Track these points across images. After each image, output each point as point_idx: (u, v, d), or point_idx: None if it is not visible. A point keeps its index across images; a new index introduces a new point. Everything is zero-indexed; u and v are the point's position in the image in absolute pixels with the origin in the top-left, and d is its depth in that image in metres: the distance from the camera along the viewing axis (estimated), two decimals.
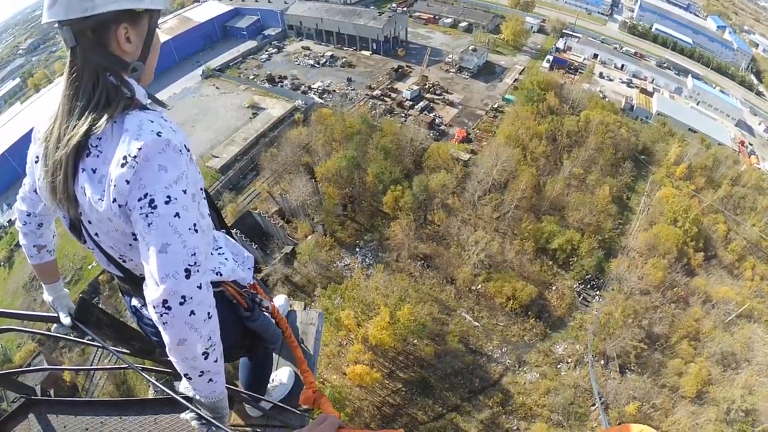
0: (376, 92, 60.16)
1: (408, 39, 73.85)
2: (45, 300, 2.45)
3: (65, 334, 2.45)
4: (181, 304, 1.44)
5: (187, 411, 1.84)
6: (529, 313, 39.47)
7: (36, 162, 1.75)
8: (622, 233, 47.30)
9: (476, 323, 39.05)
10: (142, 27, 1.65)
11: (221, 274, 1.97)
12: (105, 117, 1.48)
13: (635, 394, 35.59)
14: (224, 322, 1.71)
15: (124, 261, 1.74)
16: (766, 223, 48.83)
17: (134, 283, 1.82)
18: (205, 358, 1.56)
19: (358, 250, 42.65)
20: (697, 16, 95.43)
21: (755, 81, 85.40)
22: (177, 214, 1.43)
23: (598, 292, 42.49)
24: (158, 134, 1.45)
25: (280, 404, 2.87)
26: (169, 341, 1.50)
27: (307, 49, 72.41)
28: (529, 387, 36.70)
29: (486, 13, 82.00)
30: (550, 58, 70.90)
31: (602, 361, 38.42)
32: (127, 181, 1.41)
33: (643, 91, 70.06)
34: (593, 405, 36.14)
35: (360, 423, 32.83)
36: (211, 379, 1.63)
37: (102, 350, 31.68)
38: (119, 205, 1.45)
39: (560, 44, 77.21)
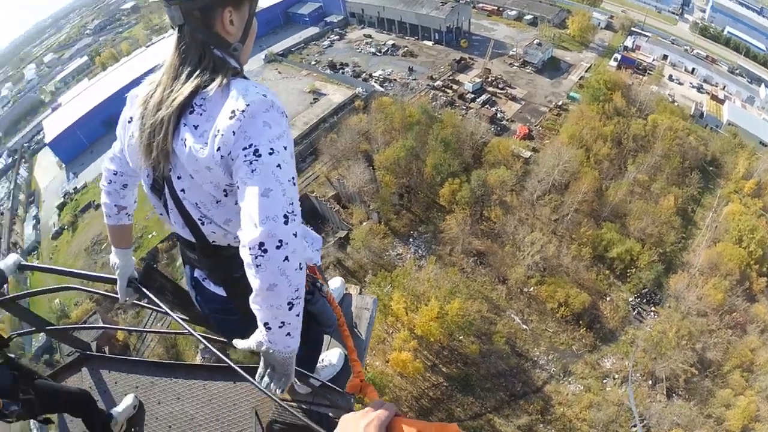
0: (438, 83, 57.69)
1: (471, 30, 70.37)
2: (111, 264, 2.41)
3: (125, 299, 2.42)
4: (277, 248, 1.37)
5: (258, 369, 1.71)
6: (580, 321, 36.87)
7: (129, 122, 1.73)
8: (684, 248, 43.30)
9: (525, 326, 36.84)
10: (243, 12, 1.65)
11: None
12: (216, 81, 1.49)
13: (679, 420, 32.36)
14: None
15: (203, 223, 1.68)
16: None
17: (203, 251, 1.78)
18: (289, 309, 1.47)
19: (411, 240, 41.04)
20: None
21: None
22: (279, 165, 1.42)
23: (653, 308, 39.05)
24: (264, 95, 1.48)
25: (328, 383, 2.60)
26: (258, 285, 1.41)
27: (369, 37, 70.34)
28: (571, 398, 34.35)
29: (552, 7, 76.99)
30: (618, 56, 65.87)
31: (650, 382, 35.28)
32: (233, 132, 1.42)
33: (714, 97, 63.99)
34: (634, 426, 33.22)
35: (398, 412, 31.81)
36: (289, 333, 1.53)
37: (155, 314, 32.21)
38: (221, 156, 1.44)
39: (629, 42, 71.63)
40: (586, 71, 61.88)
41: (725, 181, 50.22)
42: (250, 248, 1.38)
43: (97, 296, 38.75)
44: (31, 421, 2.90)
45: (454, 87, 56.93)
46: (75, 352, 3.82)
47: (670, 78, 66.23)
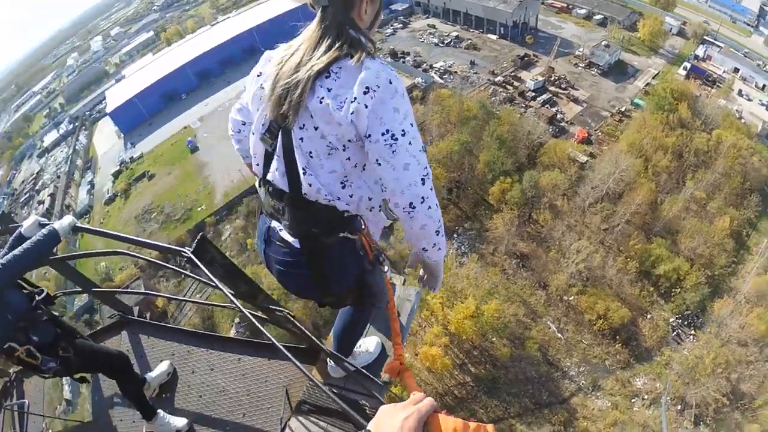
0: (498, 78, 56.59)
1: (538, 26, 68.38)
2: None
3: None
4: (421, 202, 1.77)
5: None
6: (617, 337, 36.27)
7: (259, 76, 2.00)
8: (734, 273, 41.59)
9: (560, 335, 36.61)
10: (375, 4, 1.91)
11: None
12: (355, 56, 1.72)
13: None
14: (348, 267, 2.13)
15: (305, 173, 1.85)
16: None
17: (292, 202, 1.92)
18: (437, 234, 1.93)
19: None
20: None
21: None
22: (410, 142, 1.73)
23: (693, 332, 38.00)
24: (390, 81, 1.71)
25: (363, 370, 2.84)
26: (413, 228, 1.86)
27: (433, 27, 69.36)
28: (597, 414, 33.95)
29: (623, 8, 73.58)
30: (688, 65, 62.74)
31: (678, 407, 34.56)
32: (366, 106, 1.67)
33: None
34: None
35: None
36: (440, 248, 2.01)
37: (195, 284, 33.42)
38: (352, 121, 1.71)
39: (700, 52, 67.88)
40: (653, 78, 59.42)
41: None
42: (402, 208, 1.77)
43: (142, 262, 40.67)
44: (64, 379, 2.99)
45: (515, 84, 55.77)
46: (116, 315, 3.94)
47: (740, 93, 62.65)
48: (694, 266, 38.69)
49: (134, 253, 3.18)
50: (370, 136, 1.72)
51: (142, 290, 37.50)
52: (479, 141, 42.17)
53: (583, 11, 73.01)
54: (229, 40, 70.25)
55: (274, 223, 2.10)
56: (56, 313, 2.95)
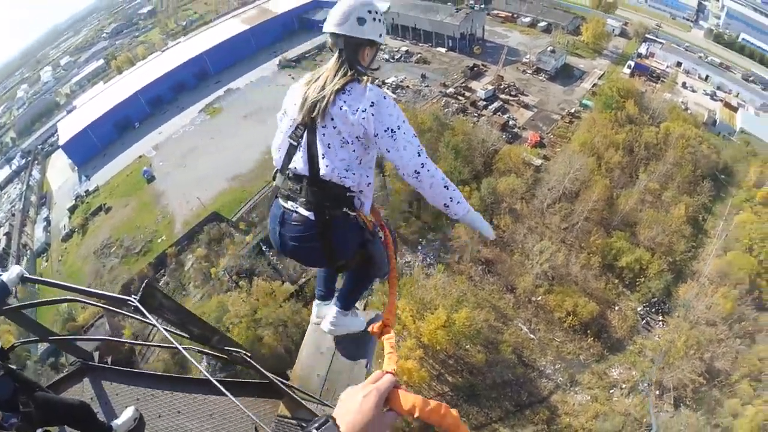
0: (450, 90, 58.49)
1: (485, 37, 71.06)
2: None
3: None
4: (422, 167, 2.48)
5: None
6: (588, 331, 37.34)
7: (289, 97, 2.81)
8: (694, 257, 43.59)
9: (532, 335, 37.41)
10: (374, 50, 2.72)
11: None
12: (362, 82, 2.53)
13: (687, 430, 32.65)
14: (350, 238, 2.73)
15: (323, 157, 2.57)
16: None
17: (310, 181, 2.59)
18: (447, 189, 2.59)
19: (420, 248, 41.72)
20: None
21: None
22: (404, 132, 2.46)
23: (662, 318, 39.44)
24: (385, 97, 2.50)
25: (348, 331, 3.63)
26: (425, 190, 2.56)
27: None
28: (577, 408, 34.71)
29: (566, 14, 77.35)
30: (632, 63, 66.16)
31: (657, 391, 35.68)
32: (372, 114, 2.43)
33: (728, 105, 63.96)
34: None
35: (402, 422, 32.47)
36: (459, 202, 2.64)
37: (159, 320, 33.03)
38: (361, 124, 2.45)
39: (642, 50, 71.84)
40: (599, 78, 62.32)
41: (737, 190, 50.51)
42: (411, 176, 2.50)
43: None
44: None
45: (467, 94, 57.65)
46: (77, 361, 3.87)
47: (684, 85, 66.38)
48: (655, 255, 40.29)
49: (87, 300, 3.29)
50: (377, 134, 2.46)
51: (104, 331, 36.92)
52: (436, 152, 43.00)
53: (527, 19, 76.18)
54: (181, 66, 70.23)
55: (290, 204, 2.68)
56: (14, 367, 2.91)
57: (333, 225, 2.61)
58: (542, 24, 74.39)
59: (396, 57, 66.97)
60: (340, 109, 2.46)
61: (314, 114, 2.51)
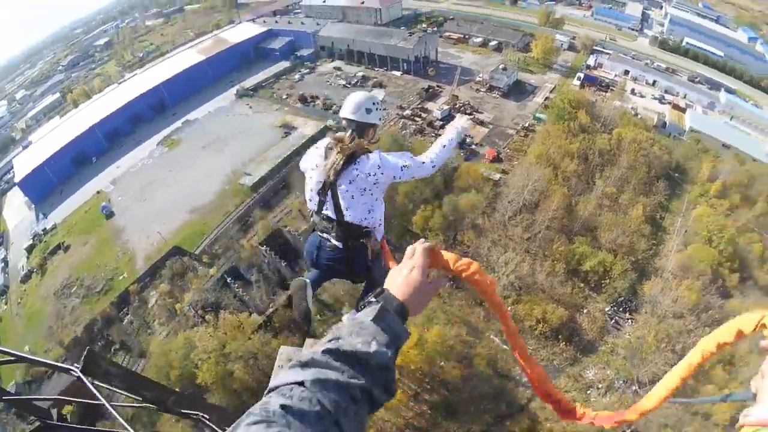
0: (407, 112, 60.31)
1: (438, 59, 73.79)
2: None
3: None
4: (433, 166, 3.48)
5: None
6: (559, 336, 38.37)
7: (311, 161, 3.59)
8: (656, 254, 45.56)
9: (505, 346, 37.96)
10: (375, 130, 3.69)
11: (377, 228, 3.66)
12: (369, 153, 3.34)
13: (667, 421, 33.90)
14: (360, 260, 3.52)
15: (347, 208, 3.35)
16: None
17: (338, 224, 3.41)
18: (446, 149, 3.62)
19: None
20: (728, 28, 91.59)
21: None
22: (408, 162, 3.32)
23: (630, 316, 40.85)
24: (383, 158, 3.28)
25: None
26: (422, 172, 3.46)
27: (339, 69, 73.40)
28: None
29: (516, 32, 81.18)
30: (581, 75, 69.61)
31: (633, 387, 36.85)
32: (382, 173, 3.25)
33: (676, 107, 67.70)
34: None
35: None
36: (450, 146, 3.68)
37: (129, 360, 32.01)
38: (373, 181, 3.28)
39: (591, 61, 75.77)
40: (550, 92, 65.20)
41: (691, 186, 53.11)
42: (427, 168, 3.42)
43: (68, 343, 39.21)
44: None
45: (423, 115, 59.52)
46: (35, 420, 3.73)
47: (633, 92, 69.98)
48: (617, 256, 41.92)
49: (34, 357, 3.40)
50: (396, 177, 3.34)
51: (63, 383, 35.81)
52: None
53: (478, 39, 79.55)
54: (138, 98, 70.06)
55: (324, 235, 3.53)
56: None
57: (355, 252, 3.50)
58: (493, 43, 77.76)
59: (353, 82, 68.81)
60: (356, 174, 3.26)
61: (335, 178, 3.28)
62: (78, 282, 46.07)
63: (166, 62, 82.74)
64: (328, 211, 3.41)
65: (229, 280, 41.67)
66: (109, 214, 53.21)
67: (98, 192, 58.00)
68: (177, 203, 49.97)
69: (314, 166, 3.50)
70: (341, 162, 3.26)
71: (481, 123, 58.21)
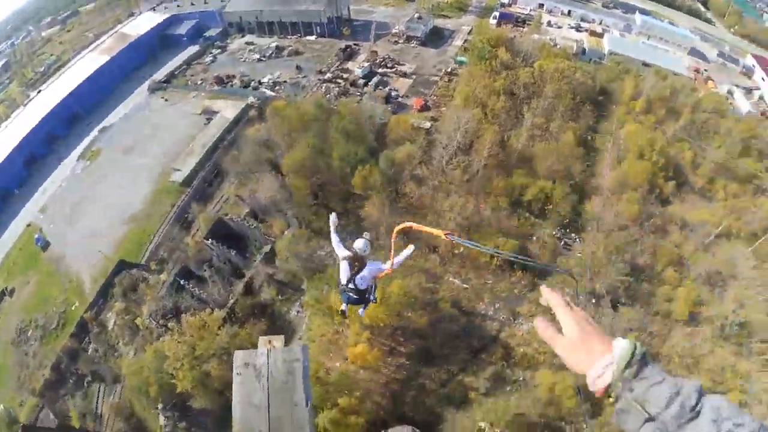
0: (328, 75, 59.64)
1: (351, 17, 73.19)
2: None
3: None
4: (393, 267, 7.04)
5: None
6: (514, 266, 40.08)
7: (344, 259, 7.11)
8: (592, 175, 48.15)
9: (465, 285, 39.60)
10: (366, 257, 7.06)
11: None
12: (365, 264, 7.01)
13: (630, 325, 36.81)
14: (363, 300, 7.48)
15: (361, 283, 7.05)
16: (730, 143, 49.89)
17: (355, 288, 7.05)
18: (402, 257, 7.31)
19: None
20: None
21: (702, 9, 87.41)
22: (380, 269, 7.21)
23: (577, 235, 43.33)
24: (372, 265, 7.01)
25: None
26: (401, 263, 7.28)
27: (251, 43, 71.08)
28: (527, 337, 37.49)
29: None
30: (497, 14, 71.06)
31: (593, 300, 39.41)
32: (371, 272, 7.04)
33: (593, 33, 70.72)
34: None
35: (371, 404, 33.63)
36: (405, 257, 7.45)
37: (105, 389, 31.68)
38: (372, 277, 7.28)
39: None
40: (468, 34, 66.23)
41: (617, 106, 55.96)
42: (389, 267, 7.00)
43: (39, 389, 37.86)
44: None
45: (345, 76, 59.09)
46: None
47: (549, 24, 72.29)
48: (556, 182, 43.78)
49: None
50: (377, 272, 7.09)
51: (51, 420, 35.00)
52: (327, 140, 44.02)
53: None
54: (47, 116, 64.48)
55: (350, 292, 7.11)
56: None
57: (362, 296, 7.23)
58: None
59: (267, 54, 67.07)
60: (362, 274, 6.86)
61: (354, 276, 6.87)
62: (32, 324, 43.82)
63: (70, 71, 77.40)
64: (351, 284, 7.03)
65: (182, 282, 41.00)
66: (45, 245, 50.18)
67: (29, 225, 54.26)
68: (111, 216, 48.00)
69: (345, 269, 7.06)
70: (357, 269, 6.87)
71: (404, 75, 58.55)
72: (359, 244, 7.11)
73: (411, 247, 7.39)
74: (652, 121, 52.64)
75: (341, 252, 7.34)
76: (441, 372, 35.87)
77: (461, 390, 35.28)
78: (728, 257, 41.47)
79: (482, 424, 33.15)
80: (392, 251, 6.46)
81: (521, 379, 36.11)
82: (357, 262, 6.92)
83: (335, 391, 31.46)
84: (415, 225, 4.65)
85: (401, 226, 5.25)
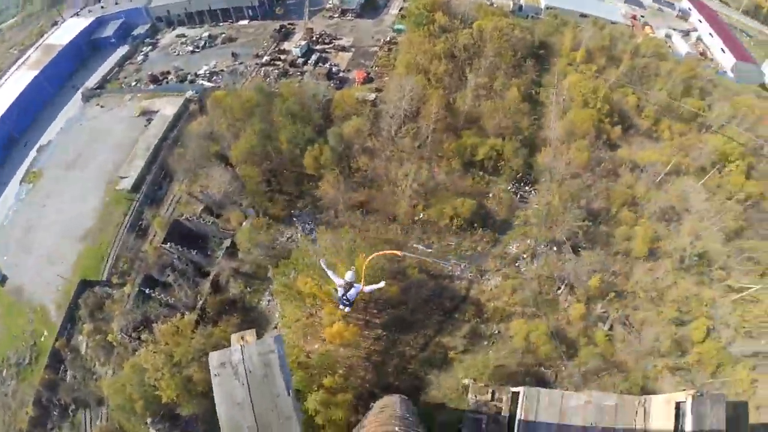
0: (265, 58, 58.73)
1: None
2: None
3: None
4: (357, 294, 15.46)
5: None
6: (475, 225, 41.43)
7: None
8: (540, 127, 49.36)
9: (429, 250, 40.49)
10: (354, 282, 15.27)
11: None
12: (354, 285, 15.43)
13: (594, 267, 38.66)
14: (353, 303, 16.12)
15: (350, 297, 15.17)
16: (672, 85, 51.86)
17: (348, 301, 15.27)
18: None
19: (294, 219, 42.70)
20: None
21: None
22: (361, 291, 15.53)
23: (531, 187, 44.79)
24: (357, 287, 15.22)
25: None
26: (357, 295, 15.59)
27: (183, 36, 68.92)
28: (496, 292, 39.21)
29: None
30: None
31: (554, 248, 41.12)
32: (357, 291, 15.32)
33: None
34: (558, 289, 38.96)
35: (356, 379, 34.67)
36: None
37: (91, 414, 31.39)
38: (357, 291, 15.47)
39: None
40: (404, 1, 65.93)
41: (558, 58, 57.15)
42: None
43: (26, 429, 37.74)
44: None
45: (283, 57, 58.41)
46: None
47: None
48: (506, 139, 44.83)
49: None
50: (362, 292, 15.59)
51: None
52: (273, 124, 43.64)
53: None
54: None
55: (344, 300, 15.14)
56: None
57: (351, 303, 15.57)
58: None
59: (201, 45, 65.41)
60: (353, 291, 14.72)
61: (346, 293, 14.81)
62: (4, 363, 42.58)
63: None
64: (345, 298, 14.63)
65: (147, 291, 40.48)
66: (2, 279, 48.32)
67: None
68: (64, 237, 46.57)
69: (341, 290, 14.58)
70: (348, 289, 14.36)
71: (343, 49, 58.29)
72: (348, 275, 14.60)
73: (382, 283, 15.22)
74: (593, 70, 54.12)
75: (338, 281, 14.63)
76: (418, 337, 37.17)
77: (440, 351, 36.70)
78: (680, 193, 43.71)
79: (465, 381, 34.58)
80: (363, 280, 14.42)
81: (496, 332, 37.72)
82: (348, 286, 14.33)
83: (319, 373, 32.00)
84: (378, 253, 16.15)
85: (368, 259, 15.96)
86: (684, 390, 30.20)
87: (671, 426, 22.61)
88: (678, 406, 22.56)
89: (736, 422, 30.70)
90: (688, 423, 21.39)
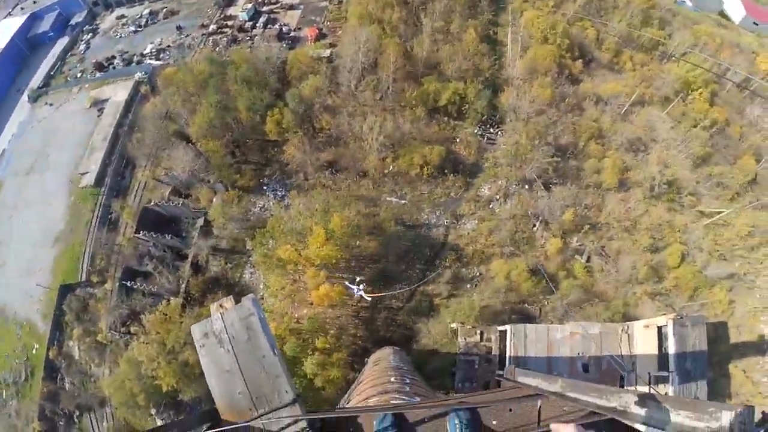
0: (212, 27, 57.68)
1: None
2: None
3: None
4: None
5: None
6: (445, 171, 42.22)
7: None
8: (501, 67, 49.49)
9: (403, 201, 41.43)
10: None
11: None
12: None
13: (566, 202, 39.92)
14: None
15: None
16: (631, 15, 52.30)
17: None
18: None
19: (265, 188, 43.02)
20: None
21: None
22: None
23: (498, 128, 45.46)
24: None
25: None
26: None
27: (123, 17, 66.88)
28: (473, 235, 40.35)
29: None
30: None
31: (526, 187, 42.25)
32: None
33: None
34: (534, 226, 40.35)
35: (348, 337, 36.19)
36: None
37: (96, 417, 32.44)
38: None
39: None
40: None
41: None
42: None
43: None
44: None
45: (230, 23, 57.52)
46: None
47: None
48: (467, 82, 44.92)
49: None
50: None
51: None
52: (229, 94, 43.27)
53: None
54: None
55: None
56: None
57: None
58: None
59: (143, 23, 63.99)
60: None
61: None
62: (2, 385, 42.88)
63: None
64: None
65: (128, 284, 40.96)
66: None
67: None
68: (36, 244, 46.65)
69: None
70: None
71: (291, 7, 57.37)
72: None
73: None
74: (550, 6, 54.17)
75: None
76: (403, 289, 38.27)
77: (426, 300, 38.19)
78: (645, 123, 44.86)
79: (454, 325, 36.22)
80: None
81: (478, 274, 39.15)
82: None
83: (311, 337, 33.30)
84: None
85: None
86: (664, 315, 32.45)
87: (655, 349, 24.13)
88: (660, 330, 24.05)
89: (717, 342, 33.07)
90: (671, 345, 22.99)
